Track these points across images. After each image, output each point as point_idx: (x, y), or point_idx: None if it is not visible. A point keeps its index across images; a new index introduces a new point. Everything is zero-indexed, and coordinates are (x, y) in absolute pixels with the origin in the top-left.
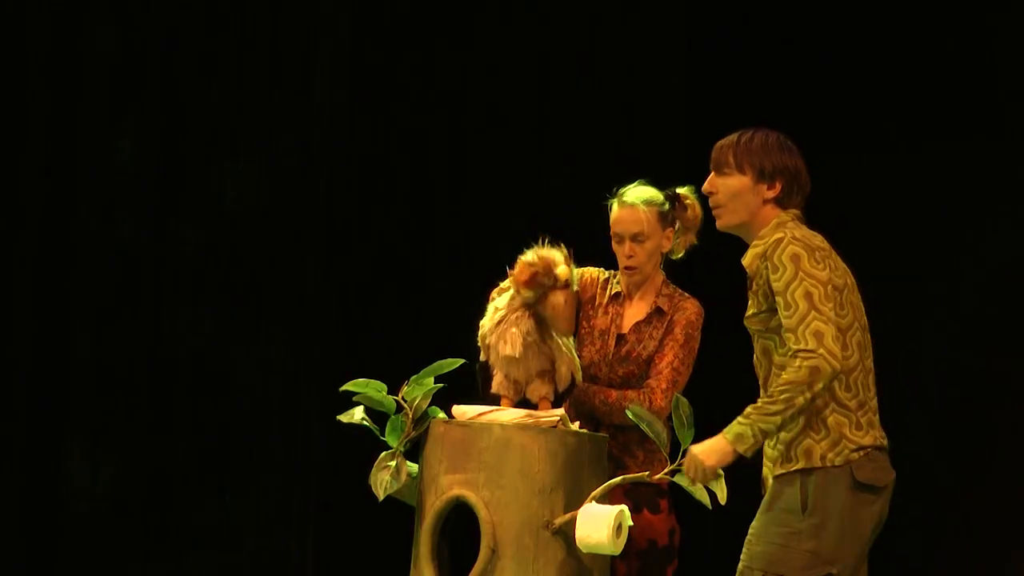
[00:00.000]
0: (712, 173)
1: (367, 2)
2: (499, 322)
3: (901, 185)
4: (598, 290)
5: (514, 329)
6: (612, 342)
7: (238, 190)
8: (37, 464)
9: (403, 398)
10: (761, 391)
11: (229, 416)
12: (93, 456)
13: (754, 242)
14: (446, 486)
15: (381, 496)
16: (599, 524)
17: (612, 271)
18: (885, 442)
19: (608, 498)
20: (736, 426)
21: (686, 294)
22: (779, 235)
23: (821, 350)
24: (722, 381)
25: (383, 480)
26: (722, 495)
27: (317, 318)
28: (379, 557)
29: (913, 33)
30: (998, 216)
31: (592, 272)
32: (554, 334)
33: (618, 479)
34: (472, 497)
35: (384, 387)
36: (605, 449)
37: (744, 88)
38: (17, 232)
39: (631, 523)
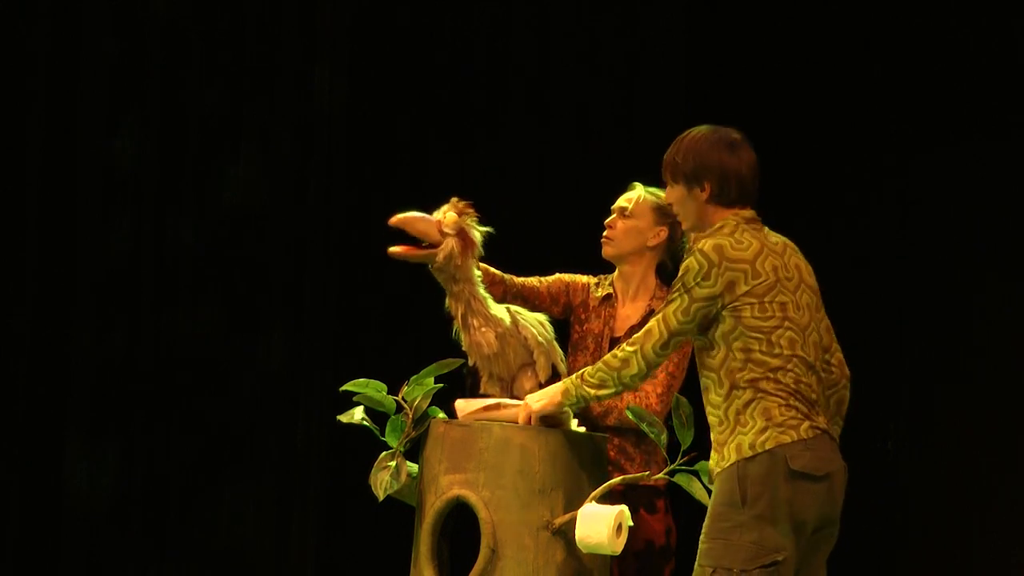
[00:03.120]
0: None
1: (367, 2)
2: (464, 326)
3: (905, 186)
4: (589, 295)
5: (484, 328)
6: (606, 345)
7: (238, 190)
8: (37, 463)
9: (403, 398)
10: (704, 399)
11: (229, 416)
12: (93, 456)
13: (696, 236)
14: (446, 486)
15: (381, 496)
16: (599, 524)
17: (601, 276)
18: (828, 428)
19: (608, 498)
20: (568, 382)
21: None
22: (701, 243)
23: (639, 349)
24: None
25: (383, 480)
26: None
27: (317, 318)
28: (379, 557)
29: (915, 28)
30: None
31: (582, 279)
32: (525, 323)
33: (618, 479)
34: (472, 497)
35: (384, 387)
36: (605, 449)
37: (744, 85)
38: (17, 232)
39: (631, 523)
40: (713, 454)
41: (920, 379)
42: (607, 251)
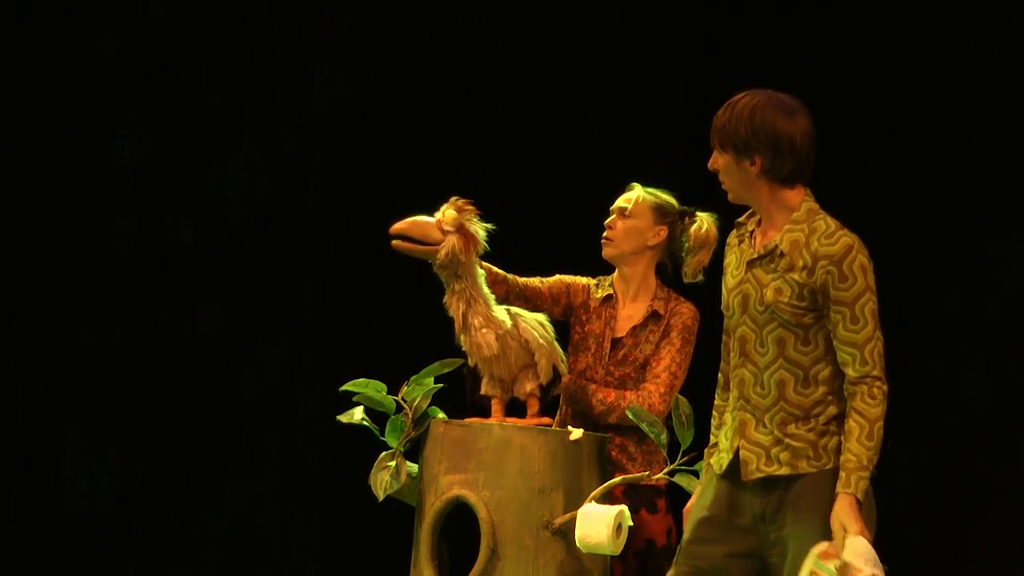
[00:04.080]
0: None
1: (367, 2)
2: (464, 326)
3: (905, 186)
4: (589, 296)
5: (485, 329)
6: (607, 346)
7: (238, 190)
8: (37, 463)
9: (403, 398)
10: (751, 377)
11: (228, 416)
12: (93, 456)
13: (788, 226)
14: (446, 486)
15: (381, 496)
16: (599, 524)
17: (601, 277)
18: None
19: (608, 498)
20: (858, 480)
21: (681, 298)
22: (846, 239)
23: (883, 379)
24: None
25: (383, 480)
26: None
27: (317, 318)
28: (379, 557)
29: (915, 28)
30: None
31: (582, 280)
32: (526, 325)
33: (618, 479)
34: (472, 497)
35: (384, 387)
36: (605, 449)
37: (744, 85)
38: (17, 232)
39: (631, 523)
40: (782, 451)
41: (920, 379)
42: (607, 252)
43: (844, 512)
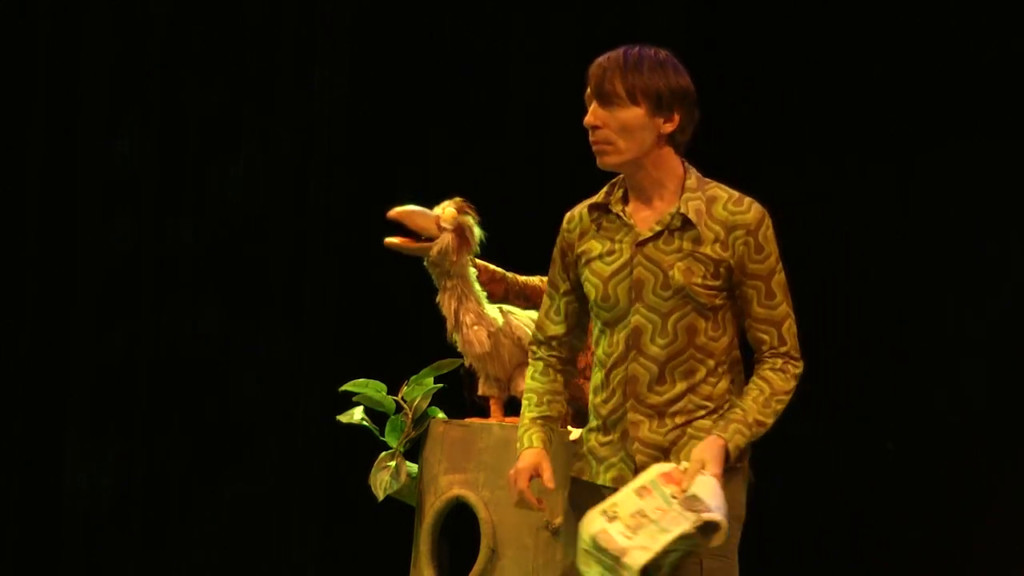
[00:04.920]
0: (595, 103)
1: (367, 2)
2: (456, 324)
3: (905, 186)
4: None
5: (476, 326)
6: None
7: (238, 190)
8: (37, 463)
9: (403, 398)
10: (646, 373)
11: (228, 416)
12: (93, 456)
13: (686, 195)
14: (446, 486)
15: (381, 496)
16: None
17: None
18: None
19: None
20: (739, 437)
21: None
22: (758, 206)
23: (800, 360)
24: None
25: (383, 480)
26: None
27: (317, 318)
28: (379, 557)
29: (915, 28)
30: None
31: None
32: (518, 322)
33: None
34: (472, 497)
35: (384, 387)
36: None
37: (744, 86)
38: (17, 232)
39: None
40: (680, 450)
41: (920, 379)
42: None
43: (710, 451)
